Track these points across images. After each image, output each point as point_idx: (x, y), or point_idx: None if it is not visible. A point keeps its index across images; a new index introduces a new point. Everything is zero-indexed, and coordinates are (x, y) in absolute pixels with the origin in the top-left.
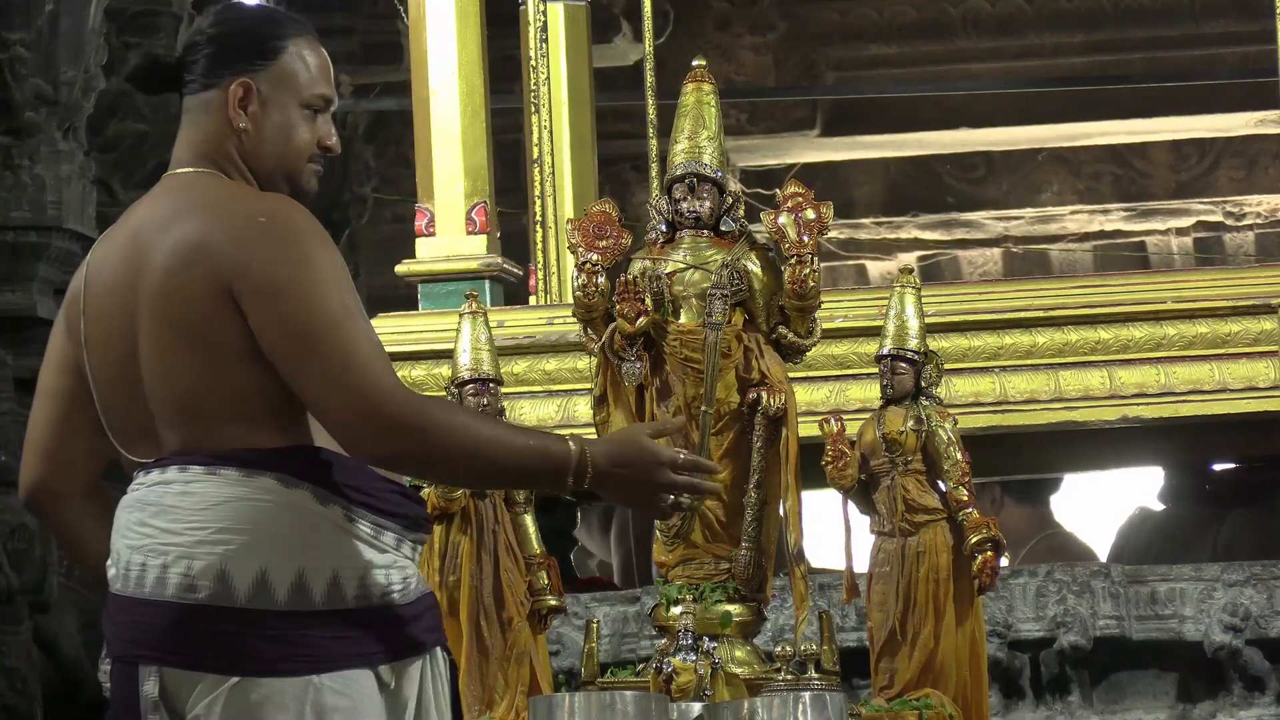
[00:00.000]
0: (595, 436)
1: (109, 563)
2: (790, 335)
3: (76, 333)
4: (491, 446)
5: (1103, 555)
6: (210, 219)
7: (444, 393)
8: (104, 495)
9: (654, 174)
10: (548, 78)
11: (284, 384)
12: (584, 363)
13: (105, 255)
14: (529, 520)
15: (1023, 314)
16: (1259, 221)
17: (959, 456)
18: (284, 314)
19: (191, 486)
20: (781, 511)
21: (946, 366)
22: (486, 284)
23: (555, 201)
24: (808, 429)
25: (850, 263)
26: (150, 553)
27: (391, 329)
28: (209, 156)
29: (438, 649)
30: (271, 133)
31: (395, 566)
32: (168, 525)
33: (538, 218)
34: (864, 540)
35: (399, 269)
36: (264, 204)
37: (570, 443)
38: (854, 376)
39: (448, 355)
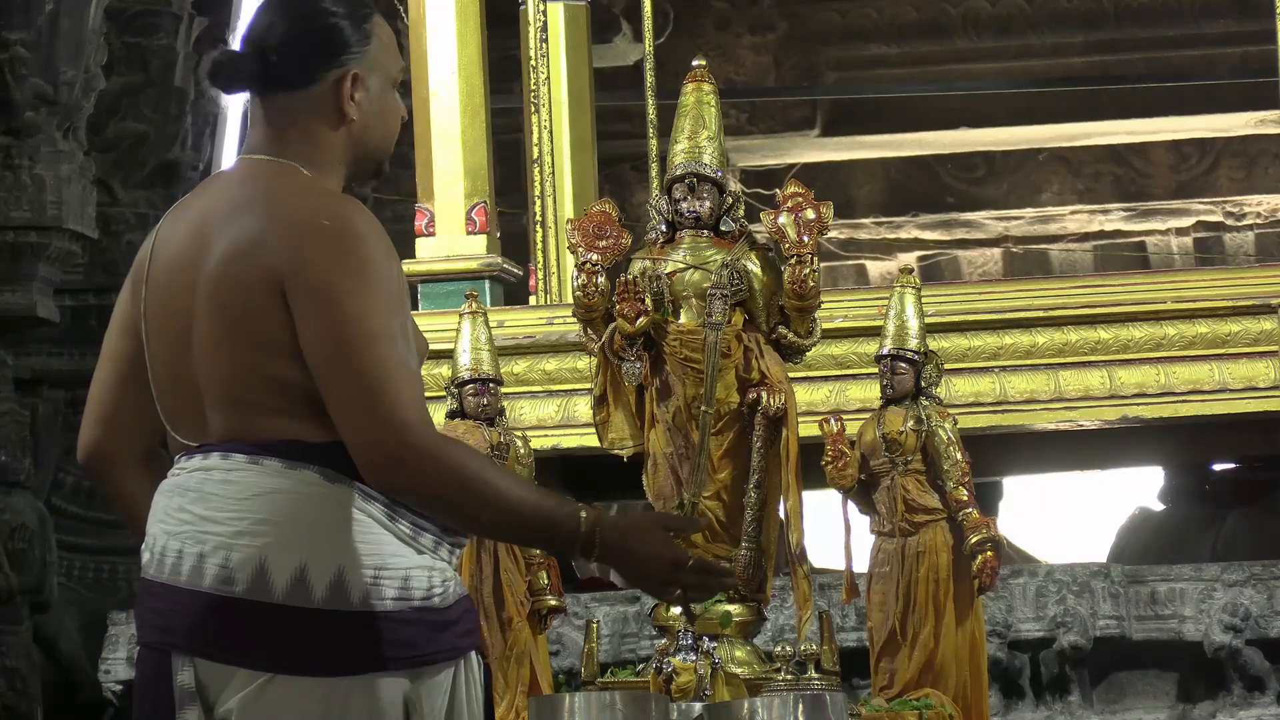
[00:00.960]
0: (613, 509)
1: (144, 546)
2: (790, 335)
3: (139, 299)
4: (504, 501)
5: (1051, 560)
6: (275, 213)
7: (444, 393)
8: (162, 463)
9: (654, 174)
10: (548, 78)
11: None
12: (584, 363)
13: (173, 230)
14: None
15: (1023, 314)
16: (1259, 221)
17: (959, 456)
18: (327, 321)
19: (233, 475)
20: (782, 512)
21: (946, 366)
22: (486, 284)
23: (555, 201)
24: (808, 429)
25: (850, 263)
26: (188, 540)
27: None
28: (297, 148)
29: (472, 653)
30: (377, 117)
31: (435, 569)
32: (207, 513)
33: (538, 218)
34: (864, 540)
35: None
36: (333, 206)
37: (583, 513)
38: (854, 376)
39: (448, 355)
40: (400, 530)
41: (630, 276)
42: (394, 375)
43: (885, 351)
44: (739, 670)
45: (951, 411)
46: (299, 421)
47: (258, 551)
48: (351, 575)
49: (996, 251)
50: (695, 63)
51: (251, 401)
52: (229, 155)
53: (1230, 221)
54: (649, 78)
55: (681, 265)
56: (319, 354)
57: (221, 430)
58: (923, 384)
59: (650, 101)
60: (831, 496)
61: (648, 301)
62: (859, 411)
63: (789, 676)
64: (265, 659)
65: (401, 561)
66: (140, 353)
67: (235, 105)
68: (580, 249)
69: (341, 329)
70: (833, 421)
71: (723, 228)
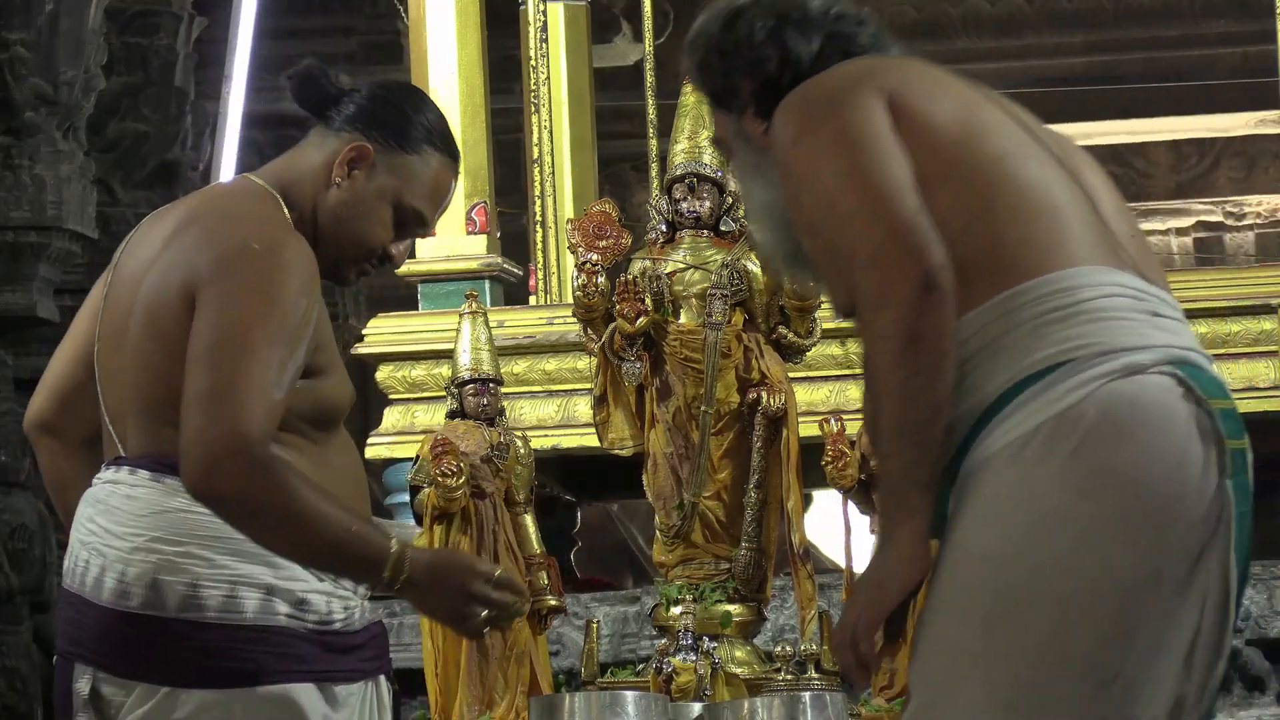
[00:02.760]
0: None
1: (67, 553)
2: (790, 335)
3: (102, 296)
4: (317, 520)
5: None
6: (214, 230)
7: (444, 393)
8: (98, 453)
9: (654, 174)
10: (548, 78)
11: None
12: (584, 363)
13: (143, 237)
14: (529, 520)
15: None
16: (1259, 221)
17: None
18: (211, 323)
19: (136, 491)
20: (784, 512)
21: None
22: (486, 284)
23: (555, 201)
24: (808, 429)
25: None
26: (93, 551)
27: (391, 329)
28: (289, 184)
29: (380, 677)
30: (354, 208)
31: (336, 595)
32: (110, 525)
33: (538, 218)
34: (864, 540)
35: (399, 269)
36: (272, 234)
37: (393, 542)
38: (854, 376)
39: (448, 355)
40: None
41: (630, 276)
42: (250, 388)
43: None
44: (739, 670)
45: None
46: None
47: (152, 567)
48: (245, 590)
49: None
50: None
51: (159, 414)
52: (229, 155)
53: (1230, 221)
54: (649, 78)
55: (681, 265)
56: (192, 353)
57: (135, 444)
58: None
59: (650, 101)
60: (832, 496)
61: (648, 301)
62: (859, 411)
63: (789, 676)
64: (161, 673)
65: (297, 586)
66: None
67: (235, 106)
68: (580, 249)
69: (219, 332)
70: (833, 421)
71: (723, 228)
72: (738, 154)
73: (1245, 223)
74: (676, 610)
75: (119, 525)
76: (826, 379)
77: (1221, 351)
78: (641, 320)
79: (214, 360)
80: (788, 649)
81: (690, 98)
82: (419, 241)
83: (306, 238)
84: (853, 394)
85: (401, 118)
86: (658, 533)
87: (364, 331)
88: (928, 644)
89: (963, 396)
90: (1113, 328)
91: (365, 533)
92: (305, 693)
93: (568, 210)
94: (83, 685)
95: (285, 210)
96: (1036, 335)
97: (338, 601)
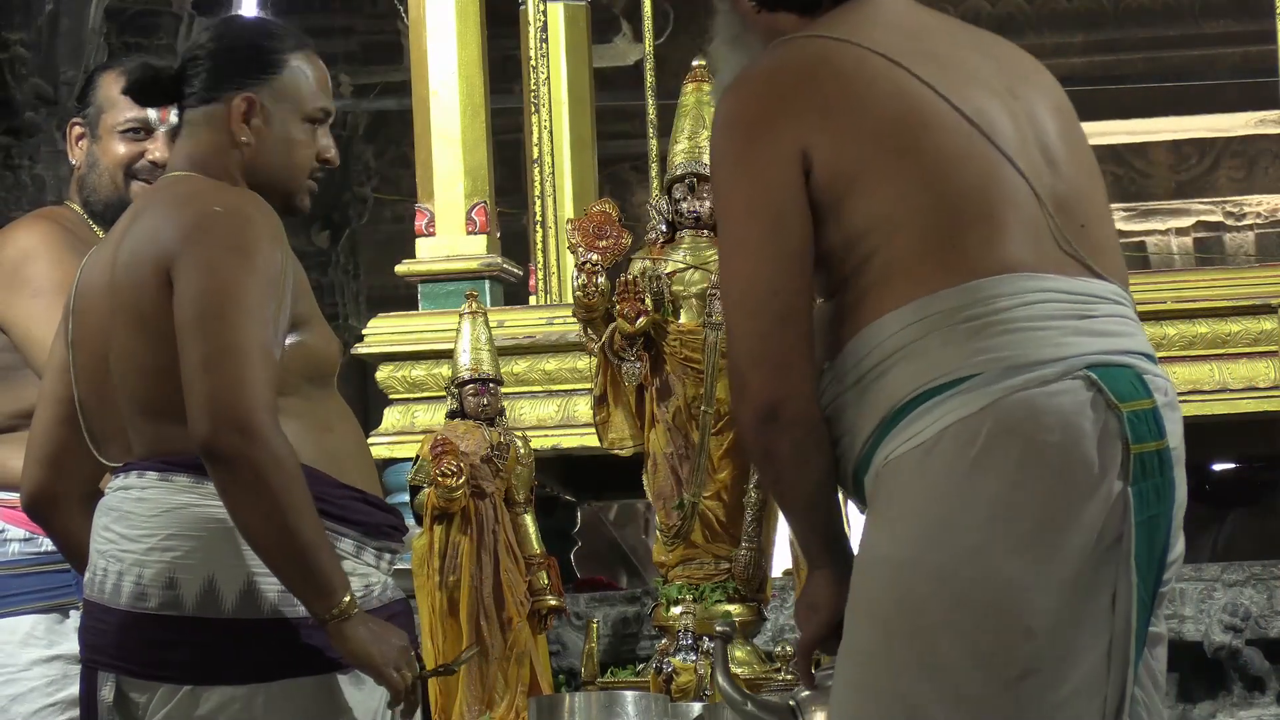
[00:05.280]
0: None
1: (88, 567)
2: None
3: (66, 334)
4: (305, 512)
5: None
6: (170, 210)
7: (444, 393)
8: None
9: (654, 174)
10: (548, 78)
11: None
12: (584, 363)
13: (95, 258)
14: (529, 520)
15: None
16: (1259, 221)
17: None
18: (197, 290)
19: (146, 493)
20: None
21: None
22: (486, 284)
23: (555, 201)
24: None
25: None
26: (111, 559)
27: (391, 329)
28: (204, 166)
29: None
30: (274, 146)
31: (356, 574)
32: (125, 530)
33: (538, 218)
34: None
35: (399, 269)
36: (226, 197)
37: (348, 597)
38: None
39: (448, 355)
40: None
41: (630, 276)
42: (250, 349)
43: None
44: (739, 670)
45: None
46: None
47: (168, 566)
48: (260, 583)
49: None
50: (695, 63)
51: (165, 411)
52: None
53: (1230, 221)
54: (649, 78)
55: (681, 265)
56: (181, 321)
57: (140, 447)
58: None
59: (650, 101)
60: None
61: (648, 301)
62: None
63: (789, 676)
64: (182, 671)
65: None
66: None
67: None
68: (580, 249)
69: (206, 299)
70: None
71: None
72: (722, 19)
73: (1245, 223)
74: (676, 610)
75: (132, 529)
76: None
77: (1221, 352)
78: (641, 320)
79: (207, 327)
80: (788, 649)
81: (690, 98)
82: (419, 241)
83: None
84: None
85: (248, 49)
86: (658, 533)
87: (364, 331)
88: (842, 648)
89: (873, 398)
90: (1026, 339)
91: (333, 563)
92: (327, 682)
93: (568, 210)
94: (106, 692)
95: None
96: (949, 345)
97: (358, 580)
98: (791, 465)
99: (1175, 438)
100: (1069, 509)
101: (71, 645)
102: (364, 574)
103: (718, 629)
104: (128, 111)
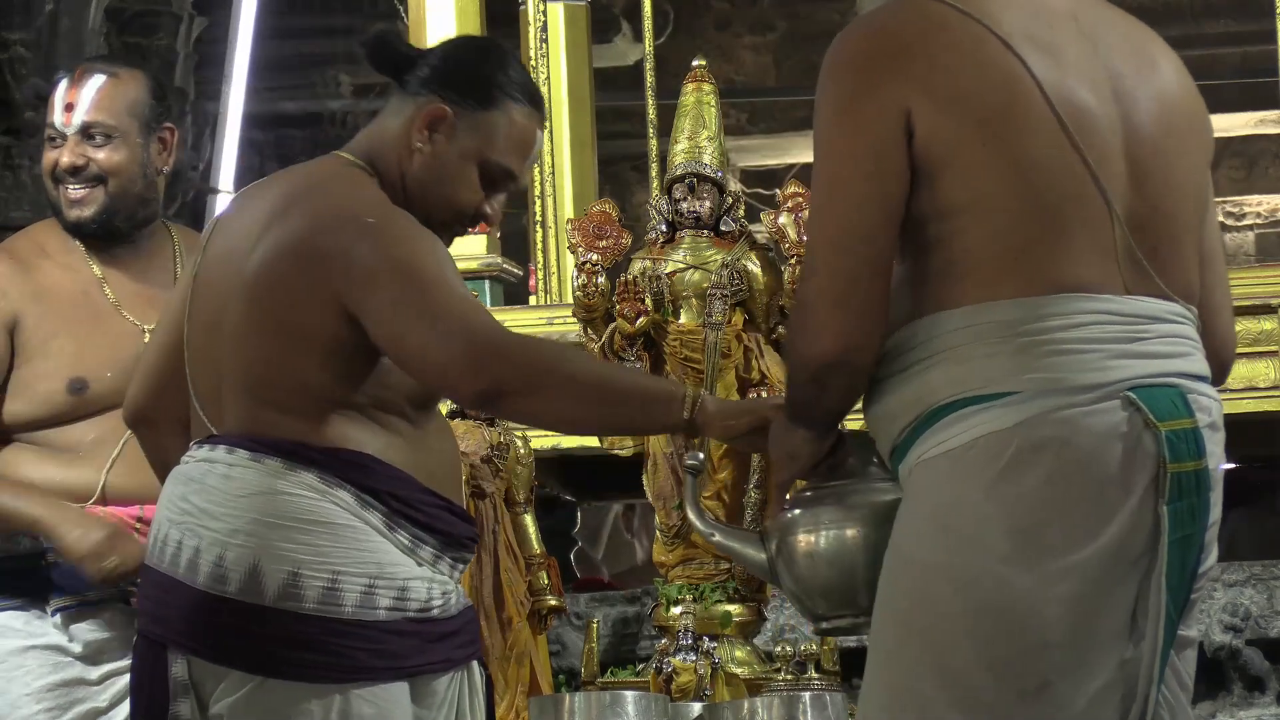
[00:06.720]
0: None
1: (150, 530)
2: None
3: (190, 278)
4: (590, 375)
5: None
6: (322, 215)
7: None
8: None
9: (654, 174)
10: (548, 78)
11: (341, 387)
12: None
13: (238, 213)
14: (529, 520)
15: None
16: (1259, 221)
17: None
18: (386, 287)
19: (234, 470)
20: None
21: None
22: (487, 284)
23: (555, 201)
24: None
25: None
26: (187, 531)
27: None
28: (375, 155)
29: (474, 663)
30: (439, 171)
31: (435, 580)
32: (206, 505)
33: (538, 218)
34: None
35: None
36: (378, 210)
37: (687, 385)
38: None
39: None
40: (399, 540)
41: (630, 276)
42: (458, 301)
43: None
44: (739, 670)
45: None
46: (308, 423)
47: (252, 552)
48: (345, 582)
49: None
50: (695, 63)
51: (266, 397)
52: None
53: (1230, 221)
54: (649, 78)
55: (681, 265)
56: (387, 318)
57: (234, 423)
58: None
59: (650, 101)
60: None
61: (648, 301)
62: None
63: (789, 676)
64: (255, 662)
65: (400, 571)
66: None
67: (235, 106)
68: (580, 249)
69: (400, 285)
70: None
71: (723, 228)
72: None
73: (1245, 223)
74: (676, 610)
75: (216, 505)
76: None
77: None
78: (641, 320)
79: (410, 309)
80: (788, 649)
81: (690, 98)
82: None
83: (399, 205)
84: None
85: (477, 74)
86: (658, 533)
87: None
88: (870, 644)
89: (913, 390)
90: (1070, 362)
91: (652, 381)
92: (398, 690)
93: (568, 210)
94: (180, 669)
95: (377, 183)
96: (994, 358)
97: (437, 587)
98: (835, 404)
99: (1215, 459)
100: (1092, 526)
101: (52, 637)
102: (441, 581)
103: (688, 462)
104: (48, 119)
